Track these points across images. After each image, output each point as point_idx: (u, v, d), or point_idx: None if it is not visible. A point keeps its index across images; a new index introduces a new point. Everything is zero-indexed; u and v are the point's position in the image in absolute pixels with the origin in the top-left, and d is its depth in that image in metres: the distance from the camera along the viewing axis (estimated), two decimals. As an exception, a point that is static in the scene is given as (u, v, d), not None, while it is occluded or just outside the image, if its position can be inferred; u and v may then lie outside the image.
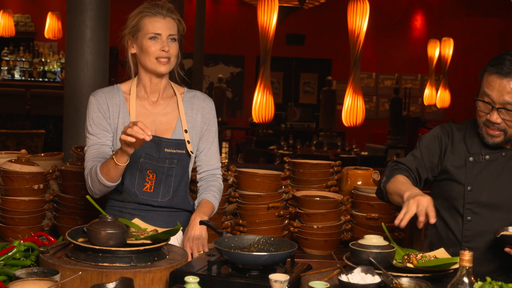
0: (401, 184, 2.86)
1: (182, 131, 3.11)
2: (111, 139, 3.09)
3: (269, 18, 8.65)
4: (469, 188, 2.99)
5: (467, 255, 2.11)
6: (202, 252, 2.90)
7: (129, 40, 3.09)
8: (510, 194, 2.98)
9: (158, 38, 3.03)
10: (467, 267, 2.11)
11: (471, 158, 3.01)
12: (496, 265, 2.98)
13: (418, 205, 2.59)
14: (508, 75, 2.82)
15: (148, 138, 2.66)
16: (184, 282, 2.30)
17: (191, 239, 2.97)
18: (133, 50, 3.09)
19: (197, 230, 3.00)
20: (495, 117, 2.88)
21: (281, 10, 10.23)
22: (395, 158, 10.00)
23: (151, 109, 3.13)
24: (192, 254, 2.94)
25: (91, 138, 3.08)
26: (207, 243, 3.01)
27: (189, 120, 3.15)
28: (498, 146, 3.00)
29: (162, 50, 3.02)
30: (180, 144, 3.09)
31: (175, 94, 3.18)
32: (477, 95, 2.96)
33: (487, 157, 3.00)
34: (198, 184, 3.25)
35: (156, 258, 2.63)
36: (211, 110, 3.23)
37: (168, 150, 3.06)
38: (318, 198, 3.78)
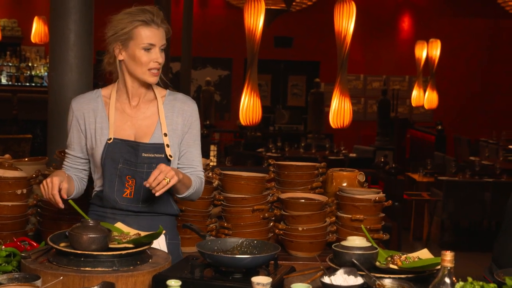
0: None
1: (161, 134, 3.07)
2: (81, 155, 3.12)
3: (255, 21, 8.64)
4: None
5: (448, 256, 2.11)
6: (168, 181, 2.82)
7: (118, 47, 3.02)
8: None
9: (151, 49, 3.00)
10: (449, 267, 2.11)
11: None
12: None
13: None
14: None
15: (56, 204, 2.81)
16: (167, 286, 2.29)
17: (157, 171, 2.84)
18: (121, 57, 3.03)
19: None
20: None
21: (268, 12, 10.23)
22: (382, 160, 9.96)
23: (131, 113, 3.10)
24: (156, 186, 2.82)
25: (68, 151, 3.17)
26: (192, 246, 2.97)
27: (169, 123, 3.12)
28: None
29: (156, 62, 3.01)
30: (159, 148, 3.05)
31: (156, 98, 3.15)
32: None
33: None
34: None
35: (138, 262, 2.62)
36: (193, 113, 3.18)
37: (146, 155, 3.03)
38: (303, 200, 3.77)
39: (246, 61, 8.96)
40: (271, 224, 3.84)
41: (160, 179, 2.79)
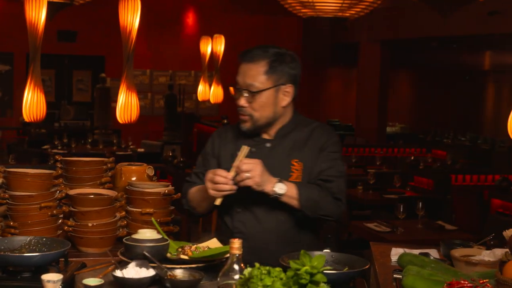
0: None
1: None
2: None
3: (37, 14, 8.38)
4: None
5: (236, 243, 2.19)
6: None
7: None
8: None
9: None
10: (237, 255, 2.19)
11: (237, 152, 3.14)
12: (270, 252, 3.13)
13: None
14: (252, 61, 3.10)
15: None
16: (-50, 289, 2.19)
17: None
18: None
19: None
20: (241, 100, 3.13)
21: (51, 6, 9.94)
22: (170, 154, 10.03)
23: None
24: None
25: None
26: None
27: None
28: (261, 137, 3.16)
29: None
30: None
31: None
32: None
33: (253, 149, 3.13)
34: None
35: None
36: None
37: None
38: (92, 196, 3.73)
39: (28, 55, 8.68)
40: (60, 221, 3.77)
41: None
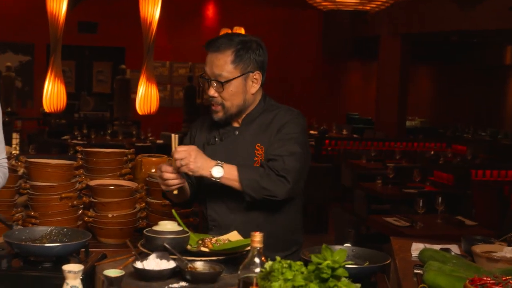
0: None
1: None
2: None
3: (58, 5, 8.42)
4: None
5: (257, 236, 2.18)
6: None
7: None
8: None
9: None
10: (258, 248, 2.18)
11: (206, 143, 3.16)
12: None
13: None
14: (218, 50, 3.08)
15: None
16: (-29, 279, 2.20)
17: None
18: None
19: None
20: (211, 90, 3.10)
21: (72, -4, 9.98)
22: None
23: None
24: None
25: None
26: None
27: None
28: (231, 126, 3.16)
29: None
30: None
31: None
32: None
33: (217, 139, 3.15)
34: None
35: None
36: None
37: None
38: (112, 187, 3.74)
39: (49, 46, 8.70)
40: (80, 211, 3.78)
41: None
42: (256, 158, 3.10)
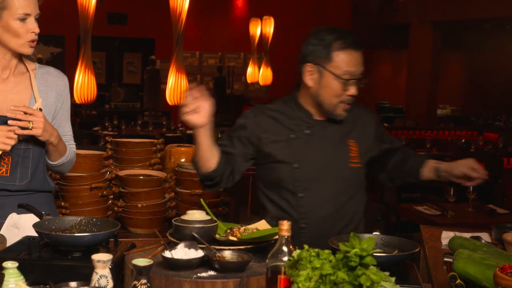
0: None
1: (36, 109, 2.95)
2: None
3: (88, -3, 8.45)
4: (295, 165, 3.07)
5: (285, 225, 2.17)
6: (31, 126, 2.78)
7: None
8: (333, 164, 3.10)
9: (27, 19, 2.85)
10: (286, 236, 2.18)
11: (292, 135, 3.10)
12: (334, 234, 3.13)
13: None
14: (360, 48, 3.05)
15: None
16: (3, 268, 2.22)
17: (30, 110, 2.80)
18: None
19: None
20: (355, 90, 3.04)
21: (101, -12, 10.02)
22: (219, 136, 10.11)
23: (1, 87, 2.94)
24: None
25: None
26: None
27: (43, 97, 2.98)
28: (311, 118, 3.13)
29: (33, 32, 2.87)
30: None
31: (27, 71, 3.01)
32: (334, 78, 3.04)
33: (306, 131, 3.10)
34: None
35: (-28, 245, 2.52)
36: (66, 87, 3.10)
37: None
38: (141, 177, 3.76)
39: (79, 38, 8.75)
40: (110, 201, 3.81)
41: (25, 119, 2.75)
42: (351, 154, 3.12)
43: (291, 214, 3.10)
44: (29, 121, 2.76)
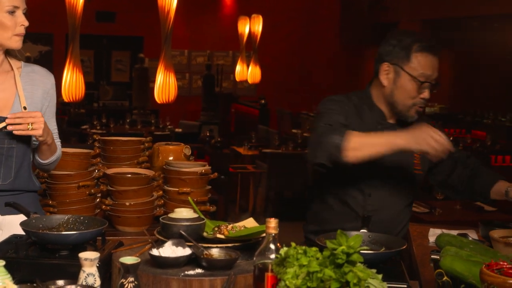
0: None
1: (20, 108, 2.92)
2: None
3: (76, -5, 8.43)
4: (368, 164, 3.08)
5: (273, 223, 2.18)
6: (30, 127, 2.78)
7: None
8: (401, 167, 3.13)
9: (16, 12, 2.84)
10: (273, 234, 2.18)
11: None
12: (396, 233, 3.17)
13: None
14: (438, 54, 3.14)
15: None
16: (-11, 266, 2.21)
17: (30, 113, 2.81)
18: None
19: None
20: (428, 93, 3.11)
21: (89, -14, 9.99)
22: (208, 134, 10.03)
23: None
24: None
25: None
26: None
27: (28, 96, 2.97)
28: (385, 120, 3.17)
29: (22, 25, 2.86)
30: None
31: (12, 69, 3.00)
32: (411, 79, 3.08)
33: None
34: None
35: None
36: (53, 86, 3.11)
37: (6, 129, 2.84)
38: (129, 175, 3.76)
39: (67, 36, 8.73)
40: (98, 200, 3.80)
41: (24, 122, 2.74)
42: (415, 161, 3.20)
43: (358, 212, 3.16)
44: (28, 123, 2.75)
